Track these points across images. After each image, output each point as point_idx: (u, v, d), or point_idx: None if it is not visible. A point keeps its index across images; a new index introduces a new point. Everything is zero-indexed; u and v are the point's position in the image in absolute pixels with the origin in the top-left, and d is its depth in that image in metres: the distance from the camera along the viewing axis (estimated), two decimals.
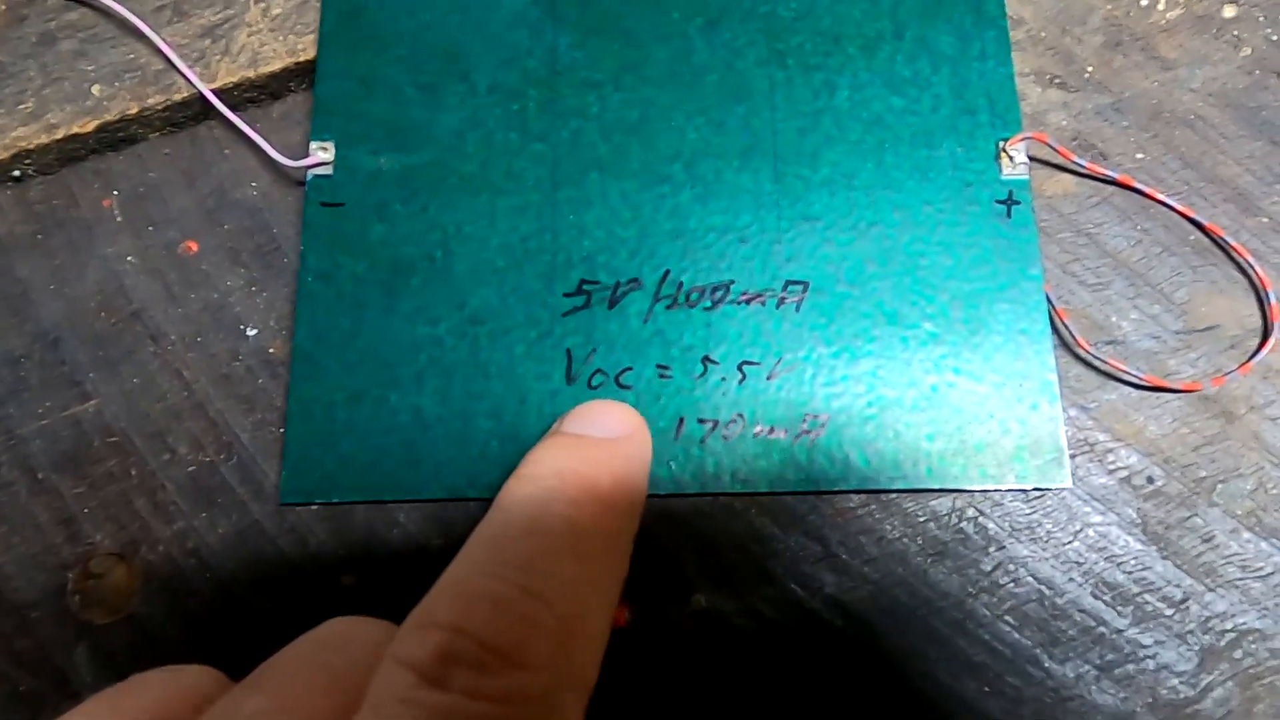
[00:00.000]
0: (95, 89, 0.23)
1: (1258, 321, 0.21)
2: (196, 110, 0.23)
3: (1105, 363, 0.20)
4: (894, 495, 0.20)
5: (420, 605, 0.14)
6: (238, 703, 0.14)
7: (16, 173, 0.23)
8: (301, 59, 0.23)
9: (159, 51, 0.23)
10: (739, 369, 0.20)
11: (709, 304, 0.21)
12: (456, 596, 0.14)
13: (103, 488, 0.20)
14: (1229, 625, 0.19)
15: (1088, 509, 0.20)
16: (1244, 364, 0.20)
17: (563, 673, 0.14)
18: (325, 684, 0.14)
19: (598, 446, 0.17)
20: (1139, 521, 0.20)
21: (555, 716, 0.13)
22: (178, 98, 0.23)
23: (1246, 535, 0.20)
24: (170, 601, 0.20)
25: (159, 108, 0.23)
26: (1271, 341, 0.20)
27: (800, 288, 0.21)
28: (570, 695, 0.14)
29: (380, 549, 0.20)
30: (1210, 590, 0.19)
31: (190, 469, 0.20)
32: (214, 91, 0.23)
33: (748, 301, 0.21)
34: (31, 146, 0.22)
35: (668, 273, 0.21)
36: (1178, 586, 0.20)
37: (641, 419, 0.19)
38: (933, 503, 0.20)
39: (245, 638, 0.19)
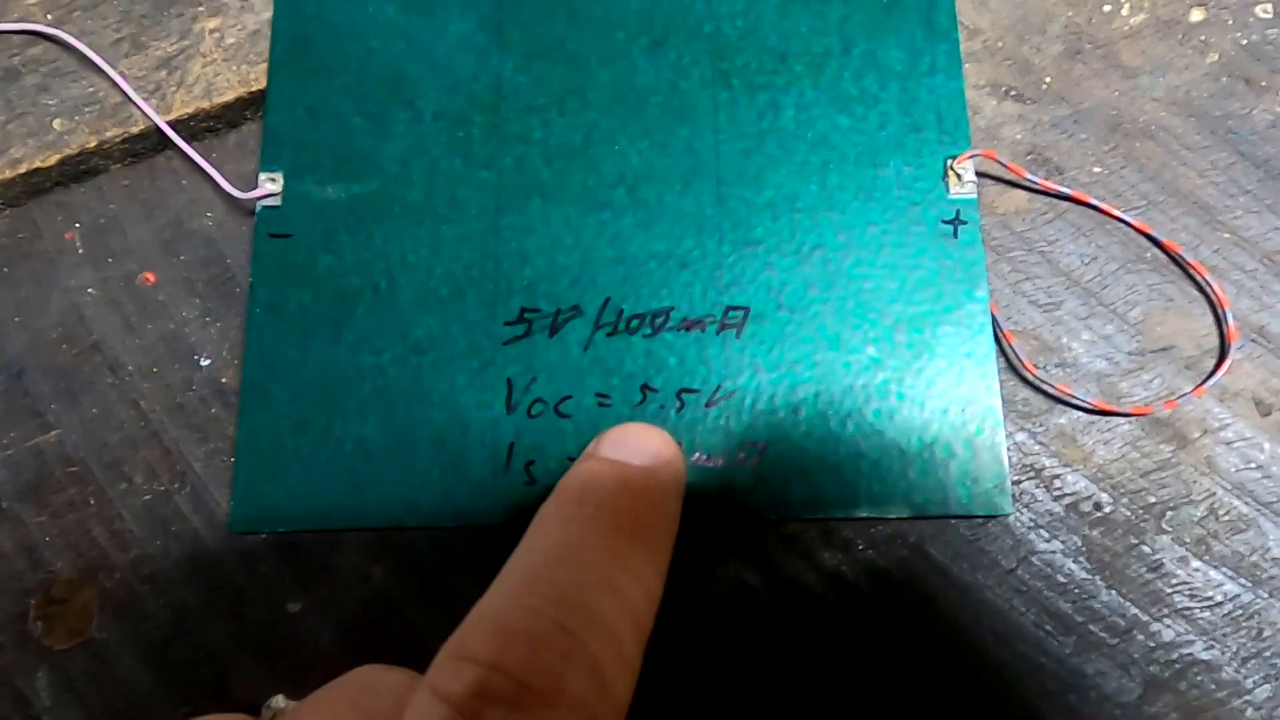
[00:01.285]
0: (56, 123, 0.24)
1: (1215, 341, 0.21)
2: (154, 141, 0.24)
3: (1053, 387, 0.20)
4: (834, 522, 0.20)
5: (456, 635, 0.14)
6: None
7: None
8: (254, 89, 0.24)
9: (117, 85, 0.24)
10: (678, 397, 0.21)
11: (649, 331, 0.21)
12: (493, 631, 0.14)
13: (63, 516, 0.21)
14: (1175, 655, 0.19)
15: (1032, 536, 0.20)
16: (1198, 386, 0.20)
17: (595, 710, 0.14)
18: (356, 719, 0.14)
19: (637, 475, 0.17)
20: (1084, 549, 0.20)
21: None
22: (135, 130, 0.23)
23: (1196, 564, 0.20)
24: (127, 627, 0.20)
25: (117, 140, 0.24)
26: (1228, 363, 0.20)
27: (741, 313, 0.21)
28: None
29: (325, 576, 0.20)
30: (1156, 620, 0.19)
31: (146, 498, 0.21)
32: (170, 122, 0.23)
33: (688, 328, 0.21)
34: None
35: (608, 300, 0.21)
36: (1122, 616, 0.19)
37: (677, 446, 0.19)
38: (873, 529, 0.20)
39: (199, 661, 0.20)
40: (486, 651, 0.14)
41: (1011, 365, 0.21)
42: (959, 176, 0.21)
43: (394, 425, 0.21)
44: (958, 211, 0.21)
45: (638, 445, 0.18)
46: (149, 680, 0.20)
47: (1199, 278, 0.21)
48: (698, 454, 0.20)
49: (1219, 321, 0.21)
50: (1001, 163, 0.21)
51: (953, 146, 0.21)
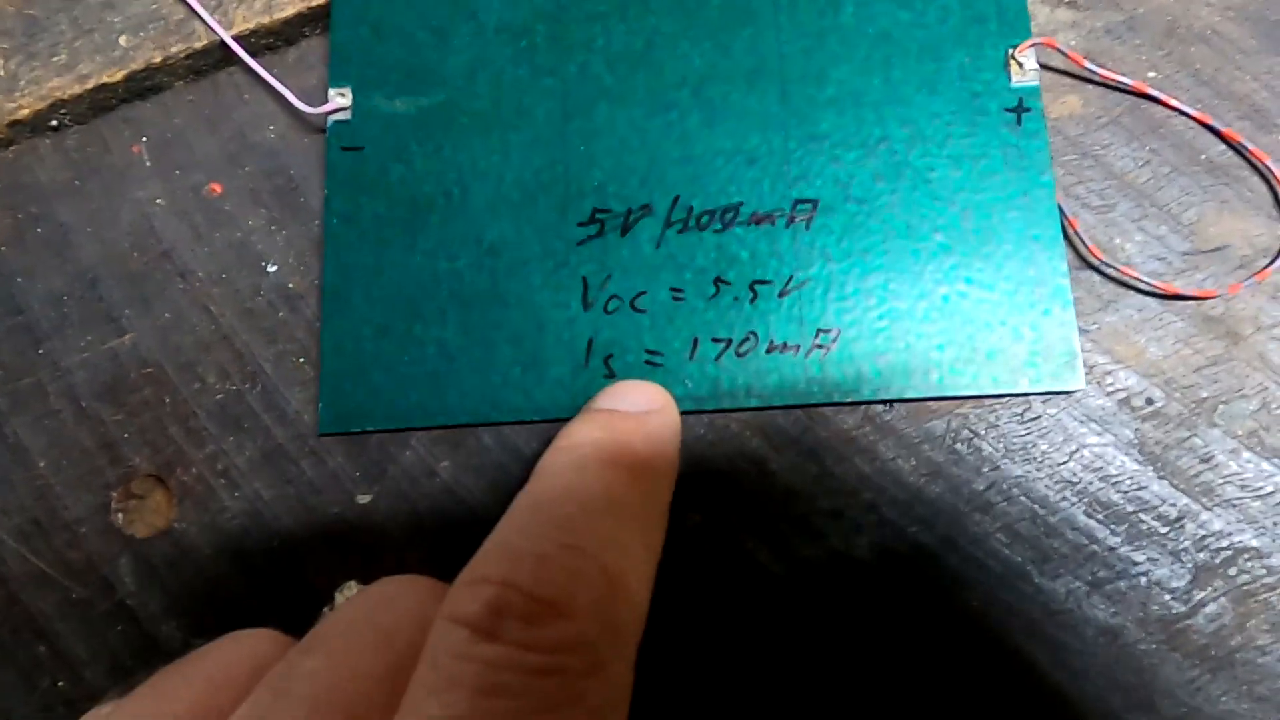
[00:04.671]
0: (122, 39, 0.25)
1: (1268, 241, 0.22)
2: (217, 58, 0.25)
3: (1118, 270, 0.21)
4: (889, 418, 0.22)
5: (468, 566, 0.15)
6: (294, 664, 0.15)
7: (54, 122, 0.25)
8: (314, 4, 0.25)
9: (180, 1, 0.25)
10: (751, 288, 0.22)
11: (719, 226, 0.22)
12: (503, 555, 0.15)
13: (140, 415, 0.23)
14: (1225, 543, 0.20)
15: (1084, 429, 0.21)
16: (1261, 270, 0.21)
17: (608, 622, 0.15)
18: (374, 641, 0.15)
19: (628, 419, 0.19)
20: (1136, 442, 0.21)
21: (603, 665, 0.14)
22: (198, 45, 0.25)
23: (1247, 455, 0.21)
24: (205, 517, 0.22)
25: (181, 55, 0.25)
26: None
27: (809, 206, 0.22)
28: (617, 644, 0.15)
29: (392, 469, 0.22)
30: (1207, 509, 0.21)
31: (219, 397, 0.23)
32: (232, 38, 0.25)
33: (757, 222, 0.22)
34: (66, 97, 0.25)
35: (678, 198, 0.22)
36: (1173, 505, 0.21)
37: (668, 394, 0.20)
38: (928, 424, 0.21)
39: (274, 549, 0.22)
40: (498, 573, 0.15)
41: (1075, 252, 0.22)
42: (1021, 65, 0.22)
43: (473, 326, 0.22)
44: (1020, 100, 0.22)
45: (629, 396, 0.20)
46: (227, 567, 0.22)
47: (1260, 165, 0.22)
48: (772, 342, 0.22)
49: (1278, 208, 0.22)
50: (1062, 51, 0.22)
51: (1013, 36, 0.23)
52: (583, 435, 0.18)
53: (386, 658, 0.15)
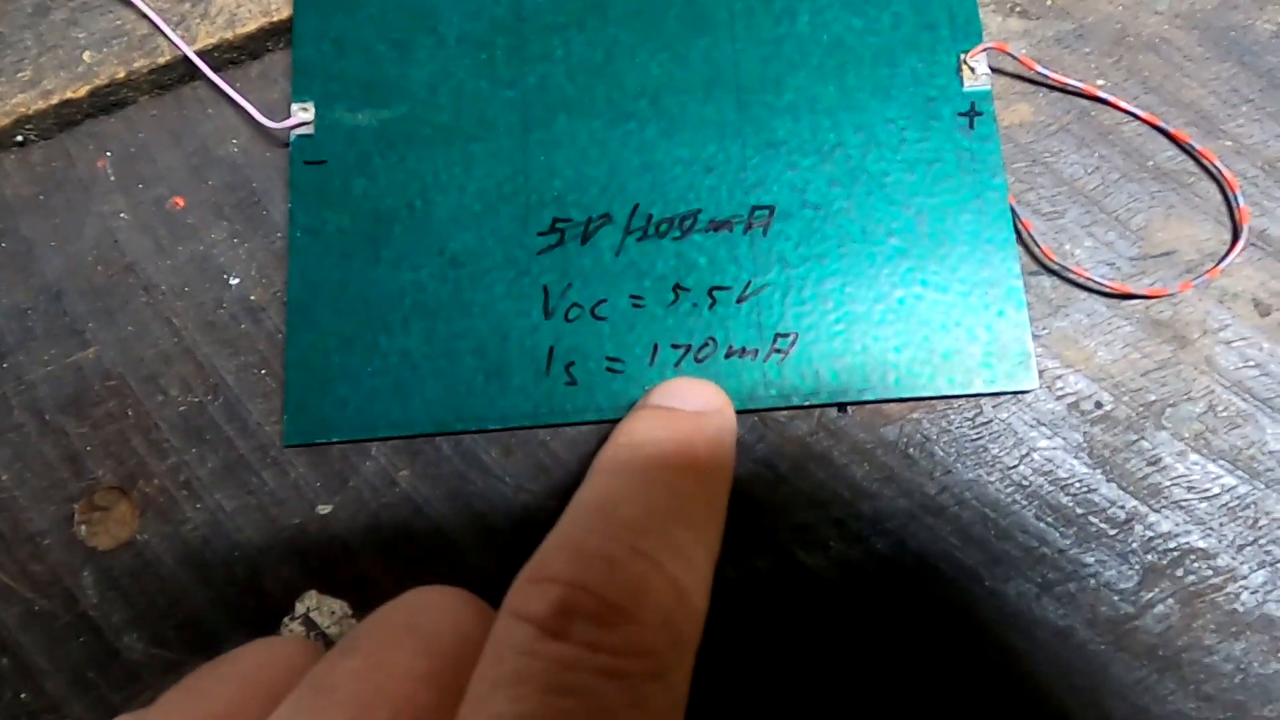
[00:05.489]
0: (86, 55, 0.26)
1: (1214, 246, 0.22)
2: (180, 72, 0.26)
3: (1071, 271, 0.22)
4: (843, 424, 0.22)
5: (532, 562, 0.16)
6: (335, 664, 0.15)
7: (19, 138, 0.26)
8: (276, 19, 0.25)
9: (144, 16, 0.26)
10: (709, 294, 0.22)
11: (678, 234, 0.23)
12: (572, 554, 0.15)
13: (103, 427, 0.23)
14: (1172, 545, 0.21)
15: (1034, 434, 0.22)
16: (1212, 268, 0.22)
17: (672, 631, 0.15)
18: (415, 645, 0.15)
19: (689, 419, 0.19)
20: (1085, 445, 0.21)
21: (665, 673, 0.15)
22: (162, 61, 0.25)
23: (1194, 457, 0.21)
24: (167, 529, 0.23)
25: (145, 71, 0.25)
26: (1241, 244, 0.22)
27: (766, 212, 0.23)
28: (678, 654, 0.15)
29: (354, 480, 0.22)
30: (1155, 511, 0.21)
31: (181, 409, 0.23)
32: (195, 53, 0.25)
33: (715, 229, 0.23)
34: (31, 112, 0.25)
35: (637, 206, 0.23)
36: (1122, 508, 0.21)
37: (725, 395, 0.20)
38: (881, 429, 0.22)
39: (235, 561, 0.22)
40: (567, 572, 0.15)
41: (1029, 252, 0.22)
42: (972, 70, 0.23)
43: (436, 336, 0.23)
44: (973, 104, 0.23)
45: (687, 394, 0.20)
46: (188, 578, 0.22)
47: (1209, 165, 0.22)
48: (731, 347, 0.22)
49: (1230, 205, 0.22)
50: (1013, 55, 0.23)
51: (965, 42, 0.23)
52: (644, 433, 0.18)
53: (427, 661, 0.15)
